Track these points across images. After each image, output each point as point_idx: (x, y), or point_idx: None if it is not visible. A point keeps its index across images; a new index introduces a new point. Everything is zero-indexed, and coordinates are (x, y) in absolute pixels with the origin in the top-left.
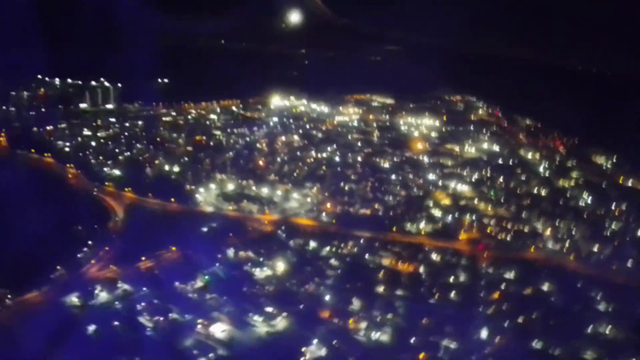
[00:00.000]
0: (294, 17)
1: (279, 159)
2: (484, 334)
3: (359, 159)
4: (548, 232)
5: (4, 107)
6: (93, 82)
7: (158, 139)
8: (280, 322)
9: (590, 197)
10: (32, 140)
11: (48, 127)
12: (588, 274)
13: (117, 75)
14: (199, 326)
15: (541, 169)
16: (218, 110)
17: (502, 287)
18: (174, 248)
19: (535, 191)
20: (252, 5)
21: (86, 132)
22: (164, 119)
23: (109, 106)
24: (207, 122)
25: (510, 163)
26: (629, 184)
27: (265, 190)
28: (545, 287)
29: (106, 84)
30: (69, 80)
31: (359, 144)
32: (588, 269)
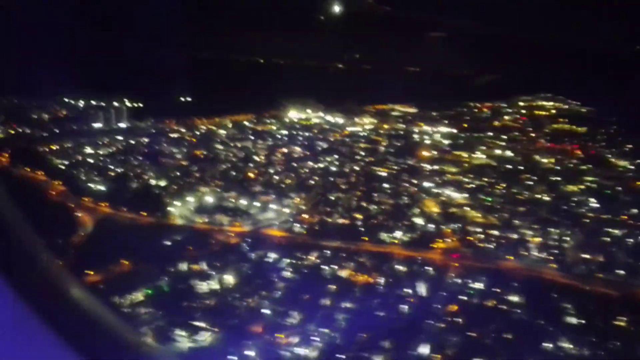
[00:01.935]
0: (334, 10)
1: (271, 171)
2: (425, 349)
3: (356, 168)
4: (537, 240)
5: (16, 126)
6: (112, 102)
7: (156, 155)
8: (207, 337)
9: (596, 204)
10: (31, 158)
11: (53, 147)
12: (566, 284)
13: (138, 92)
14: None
15: (551, 175)
16: (229, 124)
17: (465, 298)
18: (126, 262)
19: (537, 197)
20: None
21: (88, 150)
22: (171, 135)
23: (122, 125)
24: (214, 137)
25: (520, 168)
26: None
27: (244, 202)
28: (514, 298)
29: (122, 103)
30: (86, 100)
31: (363, 153)
32: (568, 279)
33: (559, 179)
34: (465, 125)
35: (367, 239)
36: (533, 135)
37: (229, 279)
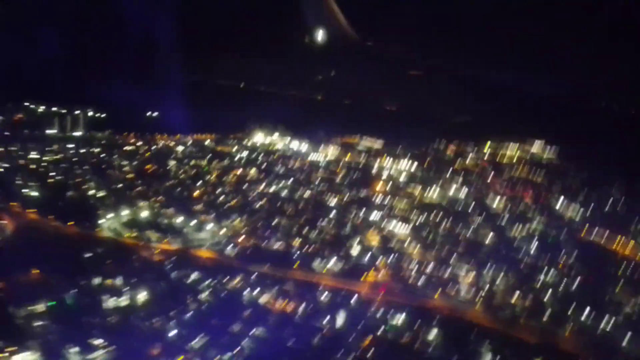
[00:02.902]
0: (319, 42)
1: (218, 191)
2: None
3: (307, 195)
4: (468, 281)
5: None
6: (73, 110)
7: (103, 166)
8: (98, 356)
9: (535, 250)
10: None
11: None
12: (487, 327)
13: (108, 103)
14: (6, 353)
15: (498, 219)
16: (189, 142)
17: (379, 333)
18: (37, 271)
19: (479, 239)
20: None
21: (33, 155)
22: (125, 148)
23: (77, 133)
24: (170, 153)
25: (469, 210)
26: (591, 237)
27: (180, 220)
28: (430, 337)
29: (84, 112)
30: (47, 107)
31: (318, 181)
32: (490, 322)
33: (504, 223)
34: (426, 164)
35: (297, 266)
36: (489, 179)
37: (141, 297)
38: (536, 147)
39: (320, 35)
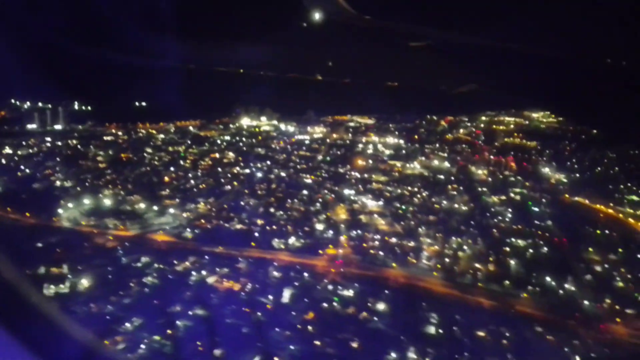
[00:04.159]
0: (315, 18)
1: (191, 175)
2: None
3: (283, 174)
4: (433, 249)
5: None
6: (57, 105)
7: (77, 157)
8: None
9: (511, 215)
10: None
11: None
12: (442, 293)
13: (94, 96)
14: None
15: (479, 186)
16: (172, 129)
17: (326, 305)
18: None
19: (454, 207)
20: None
21: (6, 150)
22: (104, 138)
23: (57, 127)
24: (149, 141)
25: (450, 179)
26: (574, 199)
27: (142, 206)
28: (380, 307)
29: (69, 106)
30: (33, 103)
31: (298, 160)
32: (446, 288)
33: (484, 190)
34: (416, 137)
35: (254, 245)
36: (477, 148)
37: (84, 283)
38: (535, 114)
39: (317, 13)
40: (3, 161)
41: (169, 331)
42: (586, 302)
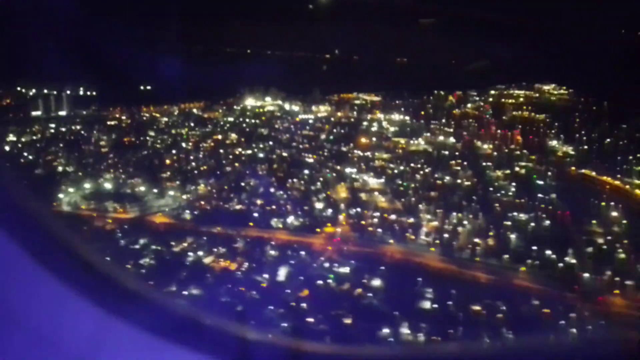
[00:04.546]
0: None
1: (192, 157)
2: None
3: (285, 154)
4: (432, 225)
5: None
6: (65, 90)
7: (80, 142)
8: None
9: (515, 189)
10: None
11: None
12: (439, 268)
13: (100, 81)
14: None
15: (484, 160)
16: (176, 112)
17: (321, 282)
18: None
19: (457, 183)
20: None
21: (10, 137)
22: (108, 122)
23: (62, 112)
24: (153, 124)
25: (455, 155)
26: (580, 172)
27: (142, 189)
28: (375, 283)
29: (75, 91)
30: (39, 89)
31: (301, 139)
32: (443, 264)
33: (489, 164)
34: (423, 113)
35: (252, 225)
36: (484, 123)
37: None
38: (547, 87)
39: None
40: (7, 148)
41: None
42: (586, 275)
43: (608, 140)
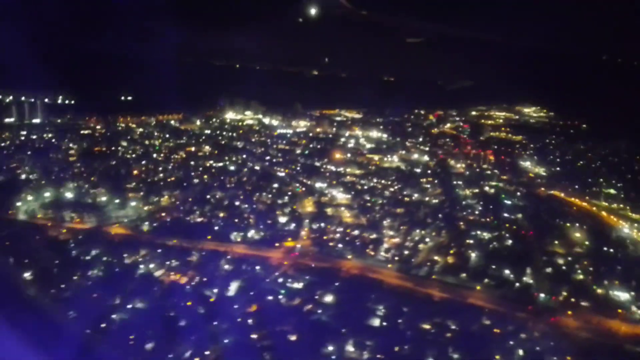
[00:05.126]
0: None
1: (161, 168)
2: (186, 353)
3: (257, 168)
4: (394, 241)
5: None
6: (43, 98)
7: (49, 150)
8: None
9: (481, 208)
10: None
11: None
12: (394, 285)
13: (80, 89)
14: None
15: (455, 179)
16: (153, 123)
17: (270, 298)
18: None
19: (424, 200)
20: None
21: None
22: (81, 132)
23: (35, 120)
24: (127, 135)
25: (427, 172)
26: (549, 192)
27: (103, 199)
28: (327, 299)
29: (54, 99)
30: (16, 97)
31: (275, 153)
32: (398, 280)
33: (459, 183)
34: (401, 131)
35: (210, 237)
36: (460, 142)
37: (25, 276)
38: (527, 109)
39: (313, 7)
40: None
41: (102, 325)
42: (542, 295)
43: (581, 162)
